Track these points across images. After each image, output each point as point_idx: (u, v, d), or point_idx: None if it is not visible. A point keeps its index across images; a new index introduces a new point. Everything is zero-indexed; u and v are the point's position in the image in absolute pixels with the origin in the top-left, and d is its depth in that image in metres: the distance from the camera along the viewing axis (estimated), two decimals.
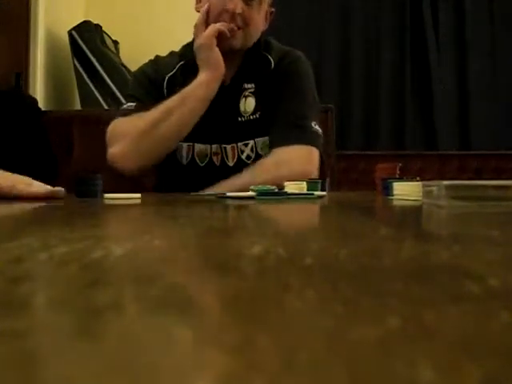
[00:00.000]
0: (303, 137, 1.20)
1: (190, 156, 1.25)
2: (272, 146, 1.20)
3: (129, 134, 1.17)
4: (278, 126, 1.22)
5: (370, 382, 0.08)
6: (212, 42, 1.17)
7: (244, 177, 1.17)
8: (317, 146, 1.22)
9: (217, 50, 1.17)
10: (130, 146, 1.17)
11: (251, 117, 1.25)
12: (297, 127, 1.21)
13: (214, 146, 1.24)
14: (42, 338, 0.11)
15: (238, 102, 1.26)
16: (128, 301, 0.14)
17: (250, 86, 1.26)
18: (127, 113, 1.21)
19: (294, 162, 1.17)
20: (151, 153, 1.18)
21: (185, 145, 1.23)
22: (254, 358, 0.09)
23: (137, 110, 1.20)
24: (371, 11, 3.37)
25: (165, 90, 1.25)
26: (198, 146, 1.25)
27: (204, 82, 1.17)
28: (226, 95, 1.21)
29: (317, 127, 1.23)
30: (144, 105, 1.21)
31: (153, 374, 0.09)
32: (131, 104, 1.24)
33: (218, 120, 1.21)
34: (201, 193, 1.09)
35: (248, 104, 1.26)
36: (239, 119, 1.25)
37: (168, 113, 1.15)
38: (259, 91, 1.26)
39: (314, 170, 1.19)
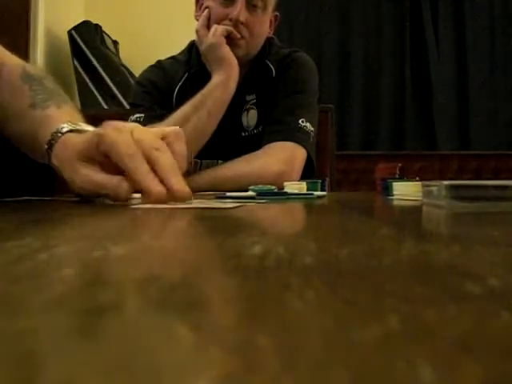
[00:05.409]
0: (288, 134, 1.16)
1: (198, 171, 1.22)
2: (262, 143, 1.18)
3: None
4: (266, 123, 1.20)
5: (369, 381, 0.08)
6: (222, 40, 1.13)
7: (217, 169, 1.15)
8: (302, 144, 1.16)
9: (228, 48, 1.13)
10: None
11: (255, 131, 1.23)
12: (280, 123, 1.17)
13: (219, 162, 1.21)
14: (42, 338, 0.11)
15: (241, 116, 1.23)
16: (128, 301, 0.14)
17: (251, 97, 1.23)
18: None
19: (268, 160, 1.13)
20: None
21: (192, 161, 1.20)
22: (254, 358, 0.09)
23: (148, 120, 1.13)
24: (371, 11, 3.37)
25: (174, 101, 1.20)
26: (206, 162, 1.22)
27: (220, 83, 1.12)
28: (229, 108, 1.16)
29: (306, 124, 1.18)
30: (154, 114, 1.15)
31: (153, 375, 0.09)
32: (139, 115, 1.16)
33: (223, 135, 1.17)
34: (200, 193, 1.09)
35: (251, 117, 1.23)
36: (243, 134, 1.23)
37: (185, 119, 1.09)
38: (260, 102, 1.23)
39: (289, 170, 1.12)
